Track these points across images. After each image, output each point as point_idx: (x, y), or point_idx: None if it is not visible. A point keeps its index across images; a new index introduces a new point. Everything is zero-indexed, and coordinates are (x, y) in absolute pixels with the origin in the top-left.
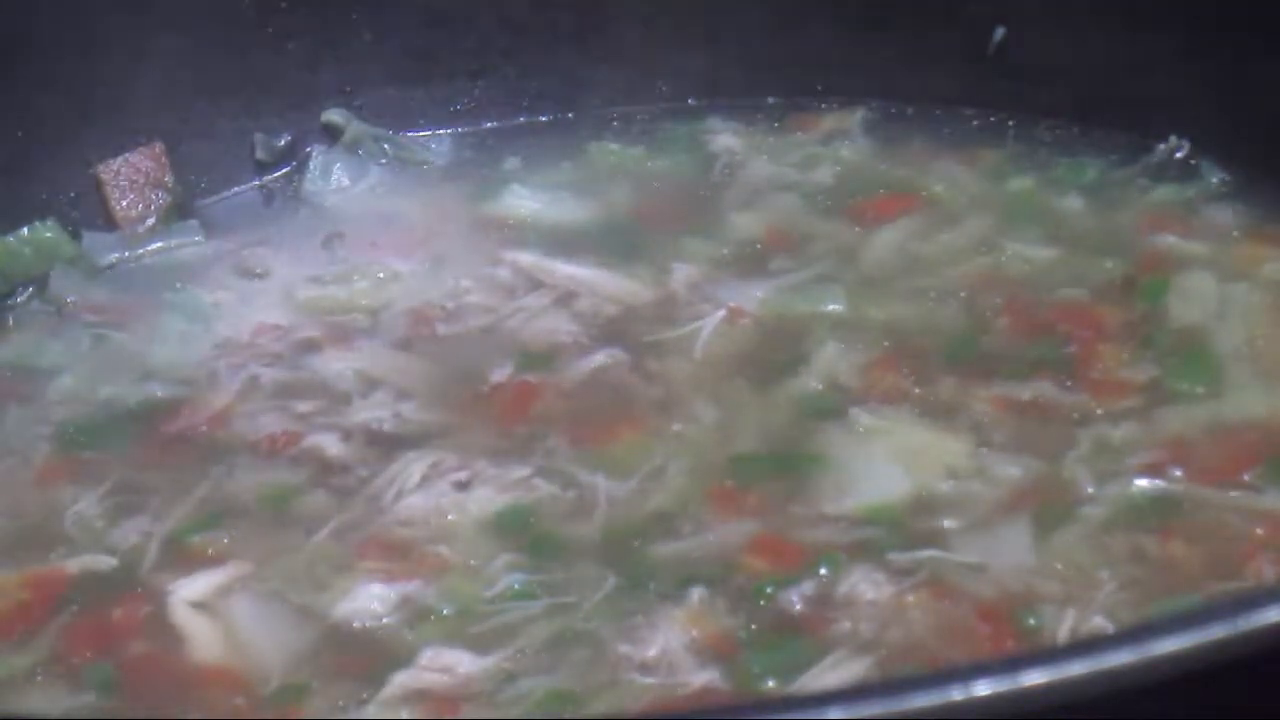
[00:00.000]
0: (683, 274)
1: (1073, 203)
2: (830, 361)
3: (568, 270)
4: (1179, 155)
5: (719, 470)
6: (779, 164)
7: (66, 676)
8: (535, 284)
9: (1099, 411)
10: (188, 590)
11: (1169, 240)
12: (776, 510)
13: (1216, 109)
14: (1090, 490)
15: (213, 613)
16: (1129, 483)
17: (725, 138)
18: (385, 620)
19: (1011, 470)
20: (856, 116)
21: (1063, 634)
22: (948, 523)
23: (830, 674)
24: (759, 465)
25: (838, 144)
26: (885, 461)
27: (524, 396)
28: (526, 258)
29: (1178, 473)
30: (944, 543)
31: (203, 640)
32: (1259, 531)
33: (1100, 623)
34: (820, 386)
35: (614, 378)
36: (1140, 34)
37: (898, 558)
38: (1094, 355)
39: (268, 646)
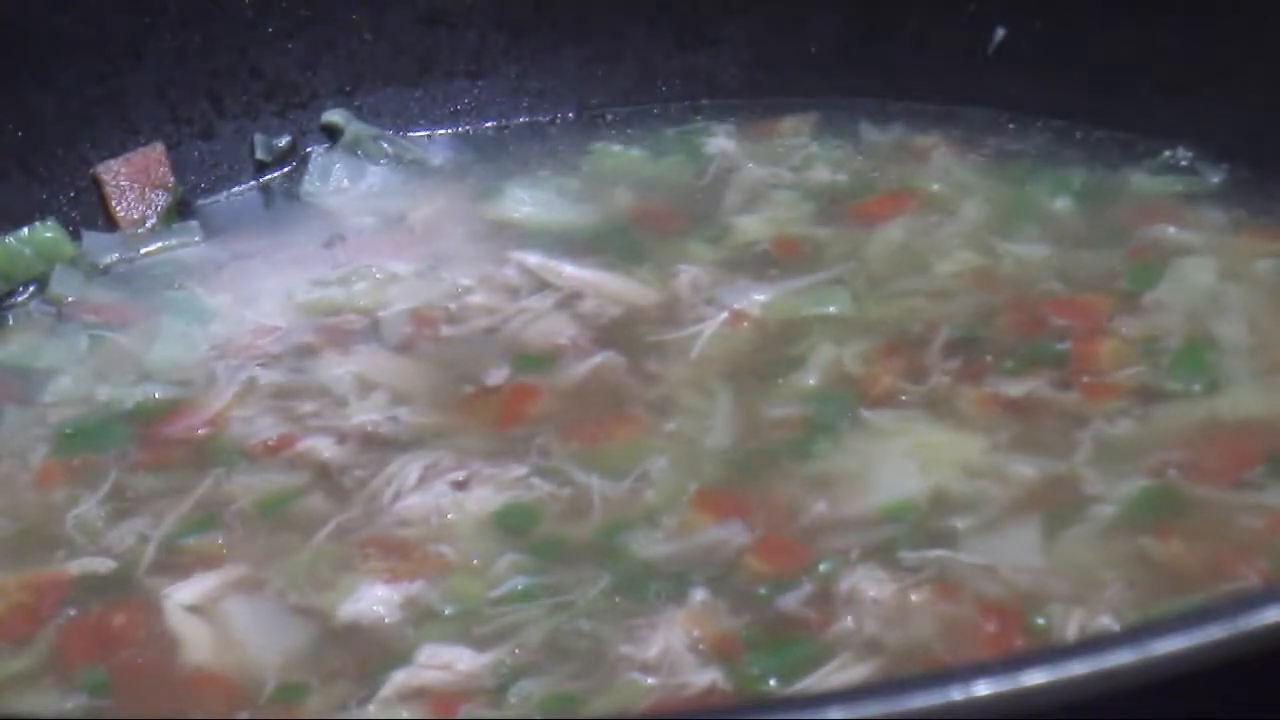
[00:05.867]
0: (687, 276)
1: (1072, 201)
2: (833, 362)
3: (573, 271)
4: (1179, 156)
5: (715, 469)
6: (778, 165)
7: (62, 679)
8: (540, 285)
9: (1101, 411)
10: (183, 593)
11: (1167, 231)
12: (777, 510)
13: (1216, 109)
14: (1096, 490)
15: (209, 615)
16: (1133, 482)
17: (724, 139)
18: (388, 620)
19: (1024, 469)
20: (854, 116)
21: (1071, 633)
22: (958, 523)
23: (835, 677)
24: (758, 464)
25: (836, 144)
26: (889, 462)
27: (521, 398)
28: (533, 258)
29: (1179, 472)
30: (953, 542)
31: (198, 643)
32: (1261, 529)
33: (1107, 622)
34: (823, 387)
35: (612, 379)
36: (1140, 33)
37: (906, 557)
38: (1096, 354)
39: (265, 647)
